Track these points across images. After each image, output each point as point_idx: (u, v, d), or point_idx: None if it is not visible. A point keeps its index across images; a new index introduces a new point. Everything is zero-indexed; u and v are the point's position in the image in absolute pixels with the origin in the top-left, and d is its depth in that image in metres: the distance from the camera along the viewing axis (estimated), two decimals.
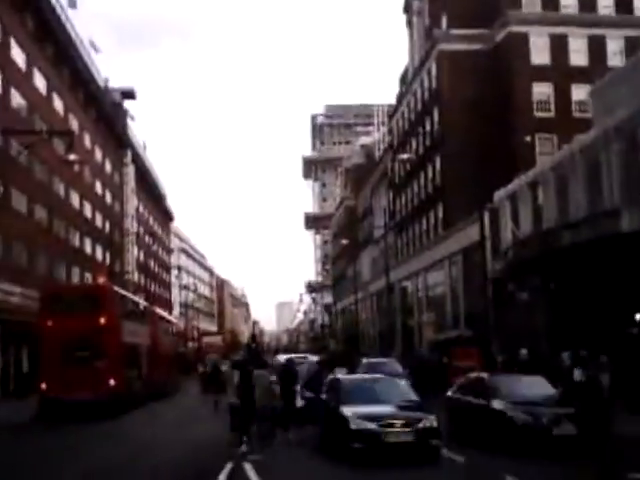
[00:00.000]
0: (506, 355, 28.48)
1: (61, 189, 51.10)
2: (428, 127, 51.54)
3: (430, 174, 50.91)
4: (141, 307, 36.88)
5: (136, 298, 39.54)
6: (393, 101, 67.79)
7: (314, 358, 32.57)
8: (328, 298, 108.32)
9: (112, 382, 26.03)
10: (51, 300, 28.03)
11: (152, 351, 34.38)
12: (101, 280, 48.38)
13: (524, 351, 26.33)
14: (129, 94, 77.55)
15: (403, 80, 63.15)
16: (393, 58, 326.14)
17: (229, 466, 12.91)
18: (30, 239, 43.66)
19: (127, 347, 29.25)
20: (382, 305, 59.90)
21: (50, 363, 26.21)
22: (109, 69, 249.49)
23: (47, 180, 47.90)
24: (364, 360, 31.22)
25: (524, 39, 44.77)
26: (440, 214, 48.45)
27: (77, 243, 54.96)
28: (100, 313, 26.85)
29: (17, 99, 43.31)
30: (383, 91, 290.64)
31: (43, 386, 26.13)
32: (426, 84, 52.48)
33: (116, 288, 31.85)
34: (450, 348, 31.86)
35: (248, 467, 12.81)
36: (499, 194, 37.27)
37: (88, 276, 54.82)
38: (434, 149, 49.80)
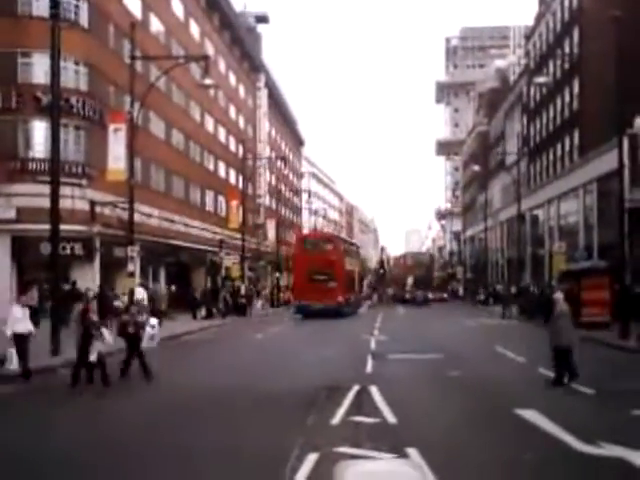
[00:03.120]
0: None
1: (197, 114, 52.52)
2: (567, 49, 49.26)
3: (567, 98, 48.87)
4: (353, 247, 53.95)
5: (352, 240, 63.26)
6: (530, 22, 65.05)
7: None
8: (457, 225, 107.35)
9: (340, 297, 40.38)
10: (302, 241, 46.77)
11: (354, 277, 49.05)
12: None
13: None
14: (263, 18, 78.23)
15: None
16: None
17: (356, 387, 13.49)
18: (167, 163, 45.43)
19: (347, 274, 44.23)
20: (512, 233, 58.88)
21: (300, 281, 42.21)
22: None
23: (184, 105, 49.34)
24: None
25: None
26: (576, 140, 46.63)
27: (211, 167, 56.65)
28: (332, 252, 41.77)
29: (156, 25, 44.55)
30: (521, 12, 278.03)
31: (296, 295, 43.49)
32: (567, 3, 49.90)
33: (342, 236, 52.51)
34: (581, 278, 31.03)
35: (374, 389, 13.33)
36: None
37: (221, 199, 56.61)
38: (572, 72, 47.60)
